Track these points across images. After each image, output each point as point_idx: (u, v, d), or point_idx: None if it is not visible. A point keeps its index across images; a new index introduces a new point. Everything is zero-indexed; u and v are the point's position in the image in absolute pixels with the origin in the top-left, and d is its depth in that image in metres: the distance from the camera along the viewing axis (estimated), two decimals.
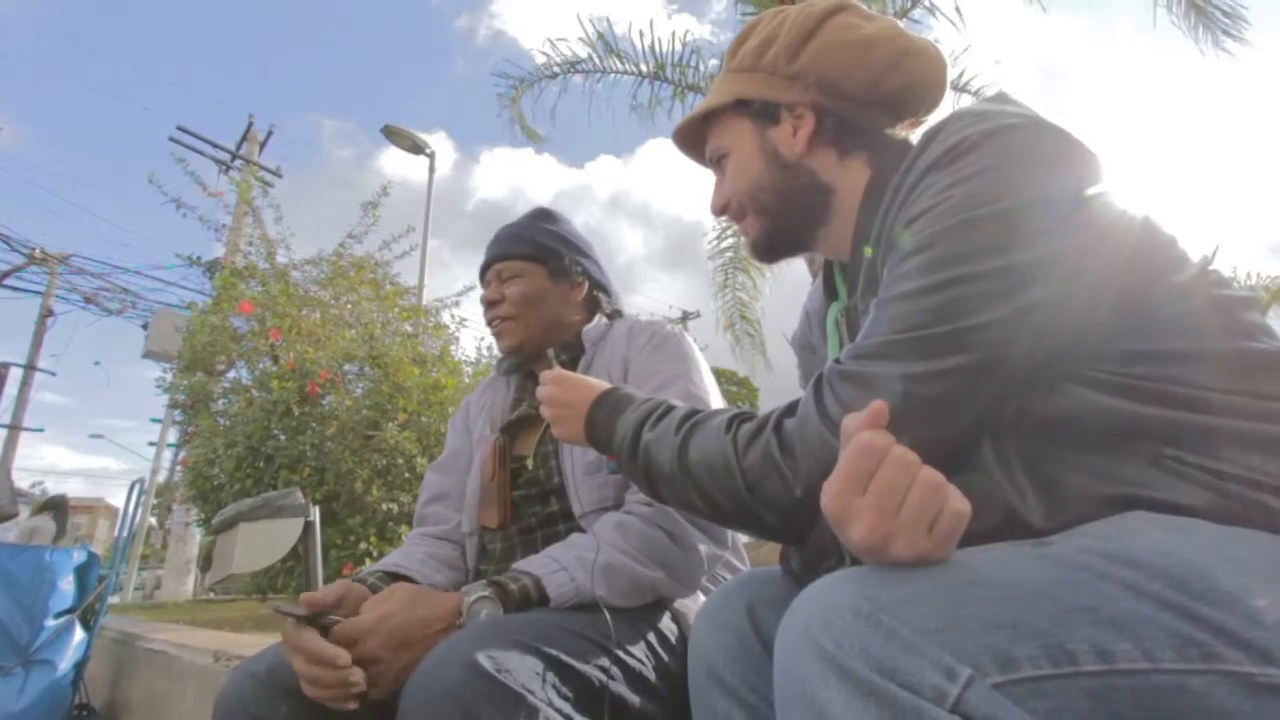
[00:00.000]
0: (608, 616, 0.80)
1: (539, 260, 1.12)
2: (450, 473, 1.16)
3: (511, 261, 1.12)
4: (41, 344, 12.84)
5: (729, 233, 5.68)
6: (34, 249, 11.79)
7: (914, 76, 0.70)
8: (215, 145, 12.01)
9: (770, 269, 5.60)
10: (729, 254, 5.80)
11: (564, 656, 0.73)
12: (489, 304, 1.12)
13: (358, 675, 0.72)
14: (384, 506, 3.91)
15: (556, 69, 5.17)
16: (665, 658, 0.84)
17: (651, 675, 0.81)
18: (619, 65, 5.05)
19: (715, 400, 1.01)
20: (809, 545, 0.61)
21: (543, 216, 1.19)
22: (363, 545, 3.87)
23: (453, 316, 5.85)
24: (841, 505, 0.43)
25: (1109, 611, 0.39)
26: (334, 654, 0.71)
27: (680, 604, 0.94)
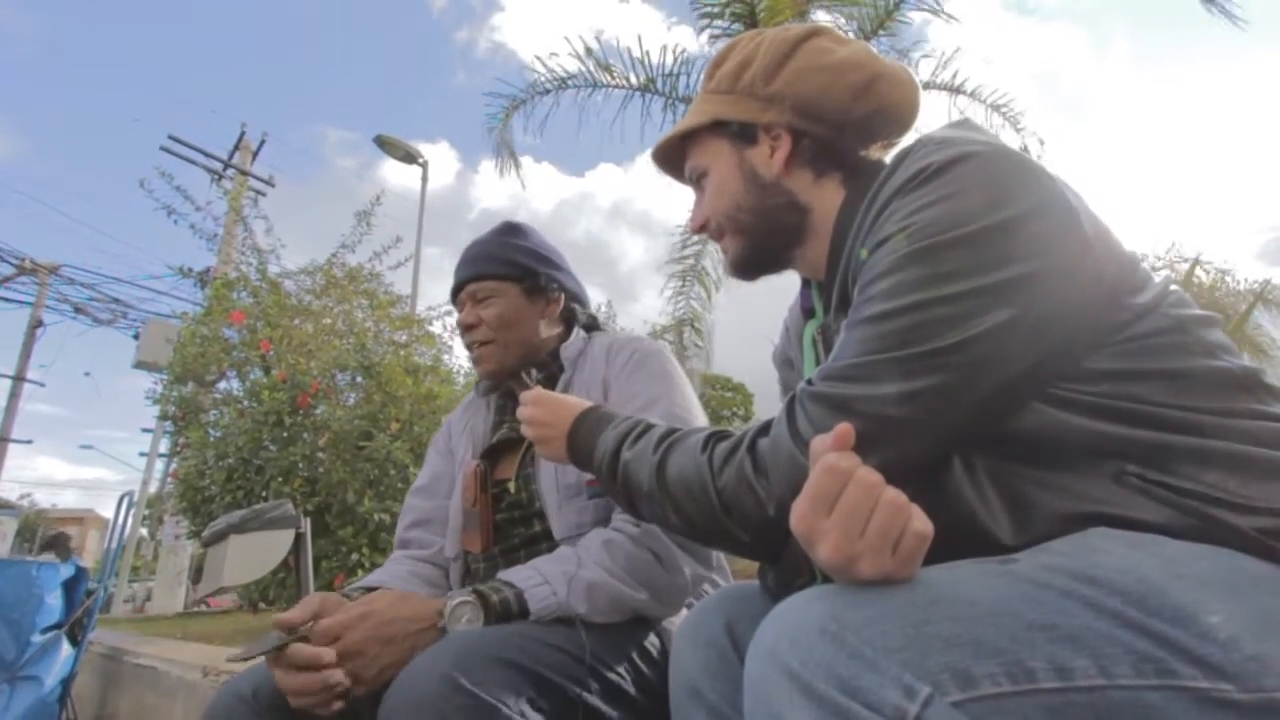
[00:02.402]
0: (582, 633, 0.80)
1: (513, 279, 1.09)
2: (432, 497, 1.15)
3: (485, 282, 1.09)
4: (31, 355, 12.75)
5: (692, 243, 5.78)
6: (23, 259, 11.71)
7: (886, 100, 0.71)
8: (207, 155, 12.00)
9: (724, 284, 5.74)
10: (689, 261, 5.90)
11: (540, 670, 0.74)
12: (465, 327, 1.10)
13: (338, 675, 0.74)
14: (376, 517, 3.89)
15: (549, 86, 5.21)
16: (646, 672, 0.85)
17: (631, 689, 0.82)
18: (610, 79, 5.10)
19: (698, 417, 1.01)
20: (783, 562, 0.62)
21: (510, 231, 1.16)
22: (355, 556, 3.85)
23: (445, 326, 5.85)
24: (808, 526, 0.44)
25: (1068, 629, 0.40)
26: (317, 654, 0.73)
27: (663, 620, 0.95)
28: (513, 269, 1.10)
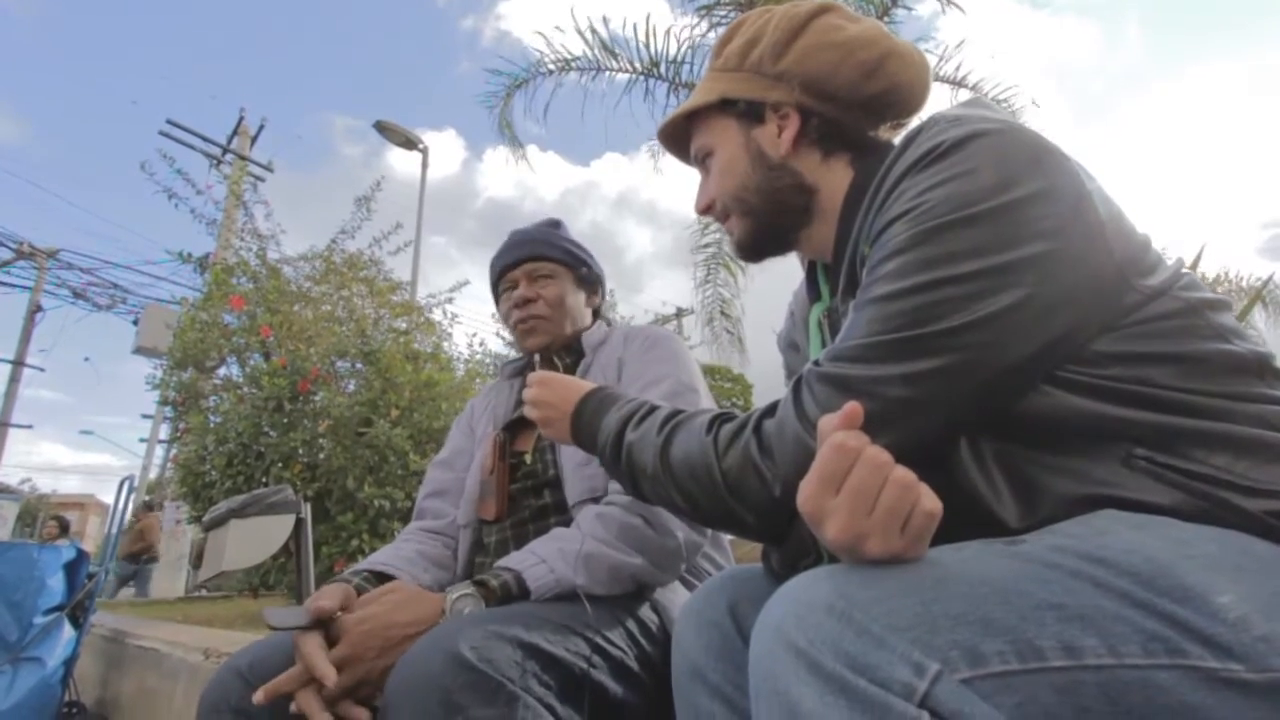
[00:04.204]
0: (586, 605, 0.81)
1: (568, 266, 1.19)
2: (452, 469, 1.20)
3: (544, 263, 1.17)
4: (30, 339, 12.74)
5: (712, 228, 5.68)
6: (21, 243, 11.68)
7: (897, 79, 0.70)
8: (206, 139, 11.93)
9: (750, 266, 5.61)
10: (711, 250, 5.80)
11: (545, 645, 0.74)
12: (524, 302, 1.15)
13: (311, 706, 0.72)
14: (376, 503, 3.90)
15: (551, 67, 5.13)
16: (647, 647, 0.86)
17: (633, 664, 0.82)
18: (613, 63, 5.02)
19: (704, 395, 1.05)
20: (789, 543, 0.62)
21: (558, 225, 1.25)
22: (355, 542, 3.86)
23: (445, 313, 5.84)
24: (816, 505, 0.44)
25: (1076, 608, 0.40)
26: (324, 672, 0.71)
27: (661, 595, 0.96)
28: (568, 257, 1.20)
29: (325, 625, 0.77)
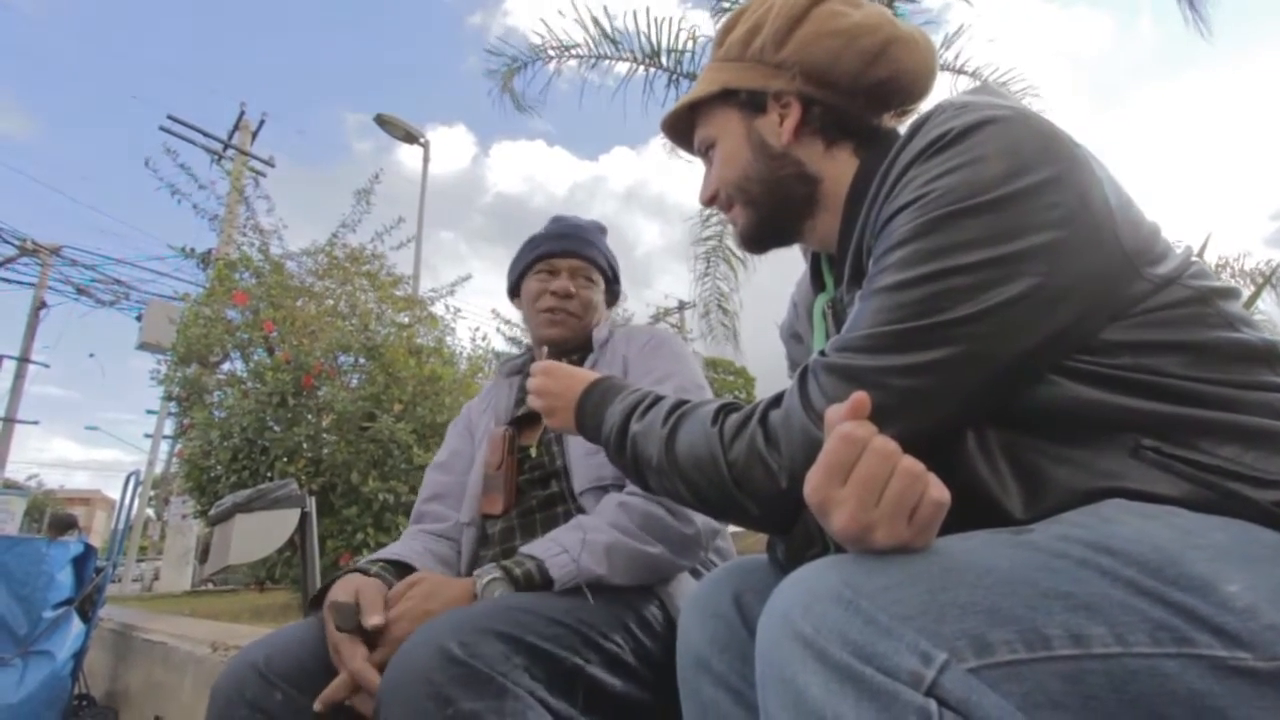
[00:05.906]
0: (589, 596, 0.82)
1: (604, 276, 1.26)
2: (450, 472, 1.20)
3: (588, 265, 1.23)
4: (35, 336, 12.78)
5: (712, 222, 5.66)
6: (25, 240, 11.69)
7: (901, 66, 0.69)
8: (206, 135, 11.92)
9: (749, 260, 5.61)
10: (711, 243, 5.77)
11: (535, 640, 0.75)
12: (563, 294, 1.19)
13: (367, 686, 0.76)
14: (380, 497, 3.92)
15: (552, 53, 5.07)
16: (647, 643, 0.86)
17: (630, 658, 0.83)
18: (613, 50, 4.96)
19: (709, 395, 1.07)
20: (794, 534, 0.61)
21: (604, 233, 1.31)
22: (359, 536, 3.88)
23: (447, 307, 5.84)
24: (823, 495, 0.44)
25: (1084, 597, 0.40)
26: (369, 681, 0.75)
27: (667, 589, 0.96)
28: (608, 269, 1.27)
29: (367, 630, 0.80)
